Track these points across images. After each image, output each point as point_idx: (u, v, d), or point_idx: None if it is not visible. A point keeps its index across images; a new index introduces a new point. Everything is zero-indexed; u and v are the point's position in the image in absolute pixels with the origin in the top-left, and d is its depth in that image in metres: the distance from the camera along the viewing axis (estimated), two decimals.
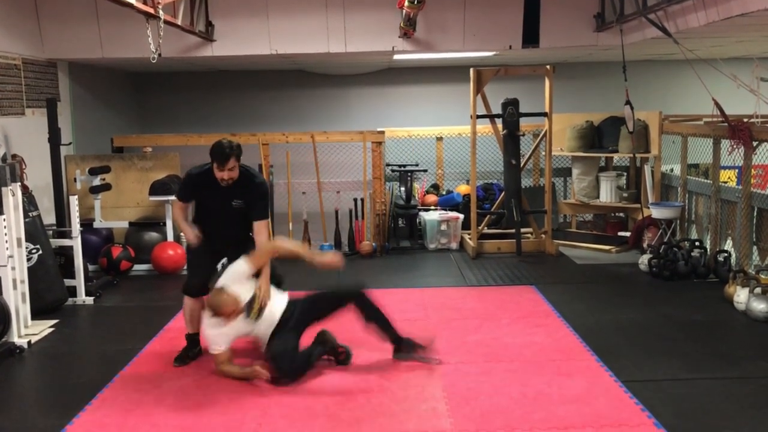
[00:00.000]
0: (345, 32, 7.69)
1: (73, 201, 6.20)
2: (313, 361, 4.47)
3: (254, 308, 4.39)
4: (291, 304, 4.59)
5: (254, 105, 10.57)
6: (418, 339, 4.63)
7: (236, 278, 4.44)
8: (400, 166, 8.61)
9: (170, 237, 7.33)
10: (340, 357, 4.59)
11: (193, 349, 4.78)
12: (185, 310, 4.79)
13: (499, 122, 7.74)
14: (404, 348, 4.60)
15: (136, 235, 7.57)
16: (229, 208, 4.64)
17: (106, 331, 5.53)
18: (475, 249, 7.73)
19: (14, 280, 5.13)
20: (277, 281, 4.78)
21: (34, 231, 5.77)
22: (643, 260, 6.90)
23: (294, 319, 4.50)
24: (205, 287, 4.65)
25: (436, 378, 4.34)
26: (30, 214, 5.77)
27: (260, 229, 4.66)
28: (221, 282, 4.43)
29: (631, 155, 8.10)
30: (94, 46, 7.67)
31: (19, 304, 5.20)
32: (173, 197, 4.84)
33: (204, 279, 4.70)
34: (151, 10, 5.33)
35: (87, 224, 7.13)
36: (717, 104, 6.26)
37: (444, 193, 9.14)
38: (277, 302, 4.55)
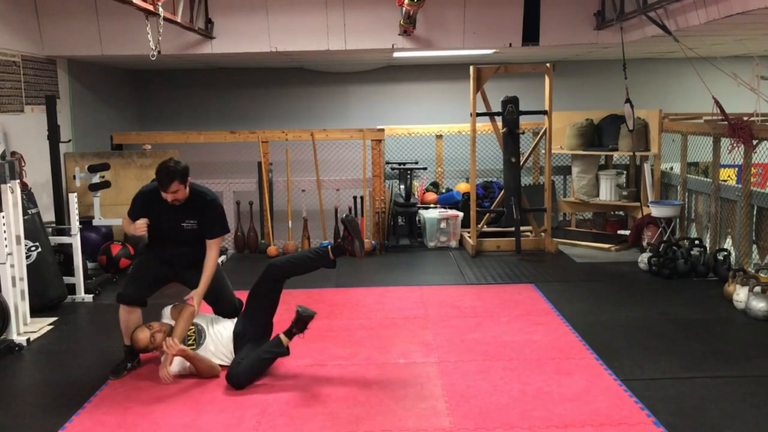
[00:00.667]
0: (345, 30, 7.68)
1: (73, 198, 6.20)
2: (264, 366, 4.38)
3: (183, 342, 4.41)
4: (239, 318, 4.59)
5: (254, 102, 10.57)
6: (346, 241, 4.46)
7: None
8: (399, 164, 8.61)
9: None
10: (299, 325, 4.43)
11: (132, 361, 4.57)
12: (121, 321, 4.58)
13: (498, 120, 7.74)
14: (335, 251, 4.45)
15: None
16: (180, 228, 4.52)
17: (105, 328, 5.52)
18: (475, 247, 7.73)
19: (13, 278, 5.13)
20: (235, 308, 4.75)
21: (33, 228, 5.76)
22: (643, 259, 6.90)
23: (246, 330, 4.48)
24: (142, 300, 4.58)
25: (436, 376, 4.34)
26: (29, 211, 5.76)
27: (211, 245, 4.55)
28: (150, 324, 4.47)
29: (631, 153, 8.09)
30: (94, 43, 7.66)
31: (18, 301, 5.20)
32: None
33: (142, 291, 4.57)
34: (151, 7, 5.31)
35: (86, 222, 7.12)
36: (717, 102, 6.25)
37: (443, 191, 9.14)
38: (221, 326, 4.57)
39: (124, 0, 4.89)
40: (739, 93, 6.37)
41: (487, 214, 8.17)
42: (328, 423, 3.75)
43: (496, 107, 7.73)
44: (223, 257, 7.69)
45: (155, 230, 4.55)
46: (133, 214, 4.56)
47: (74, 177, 7.46)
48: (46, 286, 5.82)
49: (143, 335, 4.37)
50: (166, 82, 10.55)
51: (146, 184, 4.68)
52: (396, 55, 8.53)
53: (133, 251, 7.03)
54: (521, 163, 7.79)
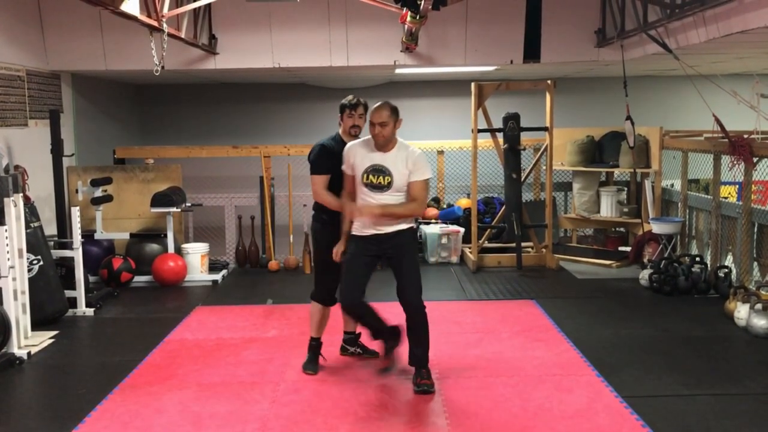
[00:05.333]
0: (347, 46, 7.74)
1: (75, 212, 6.21)
2: None
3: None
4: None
5: (256, 118, 10.61)
6: None
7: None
8: None
9: (171, 249, 7.34)
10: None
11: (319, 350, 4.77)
12: (314, 315, 4.73)
13: (500, 136, 7.76)
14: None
15: (137, 247, 7.58)
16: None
17: (106, 342, 5.53)
18: (476, 263, 7.73)
19: (15, 291, 5.13)
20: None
21: (35, 242, 5.77)
22: (644, 275, 6.90)
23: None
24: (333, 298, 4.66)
25: (436, 392, 4.32)
26: (31, 224, 5.78)
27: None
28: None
29: (632, 170, 8.11)
30: (98, 58, 7.71)
31: (19, 314, 5.19)
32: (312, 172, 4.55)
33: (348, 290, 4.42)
34: (155, 23, 5.36)
35: (88, 235, 7.13)
36: (717, 120, 6.28)
37: (445, 206, 9.14)
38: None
39: (128, 16, 4.93)
40: (739, 111, 6.40)
41: (488, 230, 8.17)
42: None
43: (498, 123, 7.76)
44: (224, 271, 7.70)
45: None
46: (321, 166, 4.53)
47: (77, 191, 7.49)
48: (47, 299, 5.82)
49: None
50: (169, 97, 10.61)
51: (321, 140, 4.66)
52: (398, 71, 8.58)
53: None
54: (522, 179, 7.81)
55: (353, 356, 4.94)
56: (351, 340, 4.98)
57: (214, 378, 4.58)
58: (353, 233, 4.42)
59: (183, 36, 6.54)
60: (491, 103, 7.85)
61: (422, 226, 8.38)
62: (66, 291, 6.11)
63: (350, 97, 4.66)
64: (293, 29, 7.70)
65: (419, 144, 9.41)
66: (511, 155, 7.65)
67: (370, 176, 4.28)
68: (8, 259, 5.03)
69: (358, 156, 4.34)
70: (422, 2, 5.30)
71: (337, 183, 4.53)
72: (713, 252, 6.92)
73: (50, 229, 6.75)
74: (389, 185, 4.27)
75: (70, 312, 6.12)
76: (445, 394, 4.30)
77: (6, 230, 5.04)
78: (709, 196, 7.05)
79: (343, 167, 4.42)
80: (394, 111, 4.38)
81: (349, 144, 4.47)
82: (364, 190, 4.32)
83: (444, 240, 8.17)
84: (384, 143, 4.32)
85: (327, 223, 4.60)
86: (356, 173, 4.33)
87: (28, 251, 5.51)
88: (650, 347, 5.11)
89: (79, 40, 7.62)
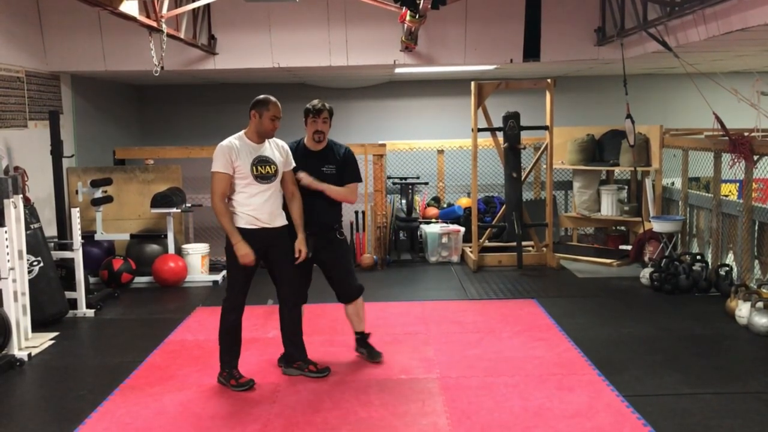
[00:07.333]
0: (347, 46, 7.73)
1: (75, 213, 6.21)
2: None
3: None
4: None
5: None
6: None
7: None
8: (401, 178, 8.62)
9: (171, 249, 7.34)
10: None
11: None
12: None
13: (500, 135, 7.76)
14: None
15: (137, 248, 7.57)
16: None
17: (106, 343, 5.53)
18: (476, 262, 7.72)
19: (15, 293, 5.13)
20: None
21: (35, 243, 5.77)
22: (645, 274, 6.89)
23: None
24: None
25: (437, 392, 4.32)
26: (31, 226, 5.78)
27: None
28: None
29: (632, 169, 8.11)
30: (97, 58, 7.71)
31: (19, 316, 5.19)
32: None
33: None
34: (154, 24, 5.36)
35: (88, 236, 7.13)
36: (717, 118, 6.27)
37: (445, 205, 9.15)
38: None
39: (127, 16, 4.93)
40: (739, 108, 6.38)
41: (489, 229, 8.17)
42: None
43: (498, 122, 7.75)
44: (224, 272, 7.68)
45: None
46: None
47: (77, 192, 7.49)
48: (47, 301, 5.82)
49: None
50: (169, 97, 10.60)
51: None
52: (398, 71, 8.58)
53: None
54: (522, 178, 7.80)
55: (360, 356, 4.94)
56: (357, 341, 4.98)
57: (215, 379, 4.57)
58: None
59: (182, 36, 6.53)
60: (491, 102, 7.85)
61: (423, 226, 8.39)
62: (66, 292, 6.11)
63: (315, 101, 4.70)
64: (292, 29, 7.69)
65: (419, 143, 9.50)
66: (512, 154, 7.64)
67: (258, 167, 4.39)
68: (8, 261, 5.03)
69: (242, 153, 4.38)
70: (421, 1, 5.29)
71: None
72: (714, 250, 6.91)
73: (50, 230, 6.75)
74: (276, 174, 4.45)
75: (71, 313, 6.12)
76: (446, 393, 4.29)
77: (6, 232, 5.04)
78: (709, 195, 7.05)
79: (225, 169, 4.39)
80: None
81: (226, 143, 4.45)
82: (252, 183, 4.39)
83: (444, 239, 8.16)
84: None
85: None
86: (242, 169, 4.36)
87: (28, 253, 5.51)
88: (651, 346, 5.11)
89: (78, 41, 7.62)
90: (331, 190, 4.66)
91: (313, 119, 4.65)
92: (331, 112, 4.71)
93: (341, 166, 4.71)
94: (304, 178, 4.60)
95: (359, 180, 4.87)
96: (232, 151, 4.36)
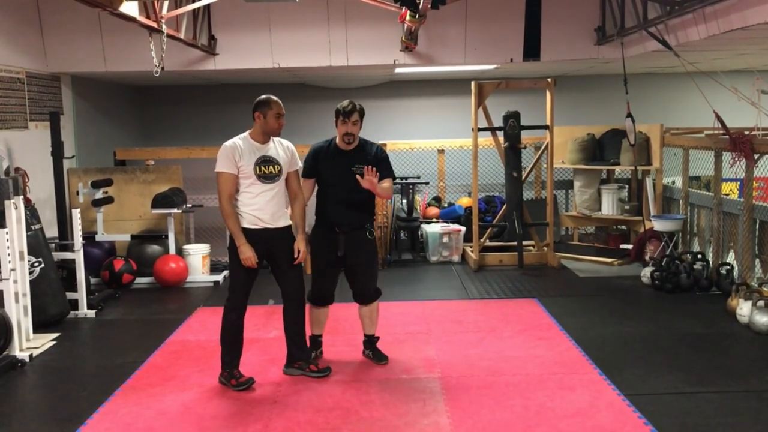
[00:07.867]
0: (347, 46, 7.73)
1: (76, 214, 6.21)
2: None
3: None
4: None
5: None
6: None
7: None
8: (401, 178, 8.62)
9: (172, 250, 7.34)
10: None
11: (315, 350, 4.89)
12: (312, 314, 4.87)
13: (500, 135, 7.76)
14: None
15: (138, 248, 7.58)
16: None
17: (107, 344, 5.53)
18: (477, 262, 7.72)
19: (16, 294, 5.13)
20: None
21: (36, 244, 5.77)
22: (646, 273, 6.89)
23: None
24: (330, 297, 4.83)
25: (438, 392, 4.32)
26: (32, 227, 5.78)
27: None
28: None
29: (633, 168, 8.10)
30: (98, 59, 7.71)
31: (21, 317, 5.20)
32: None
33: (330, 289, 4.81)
34: (154, 24, 5.37)
35: (89, 237, 7.14)
36: (718, 117, 6.27)
37: (446, 205, 9.14)
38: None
39: (127, 17, 4.93)
40: (739, 107, 6.38)
41: (490, 229, 8.17)
42: None
43: (498, 122, 7.75)
44: (225, 272, 7.69)
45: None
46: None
47: (77, 192, 7.49)
48: (49, 301, 5.82)
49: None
50: (169, 98, 10.61)
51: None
52: (398, 70, 8.58)
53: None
54: (523, 177, 7.80)
55: (367, 358, 4.93)
56: (365, 343, 4.98)
57: (216, 379, 4.57)
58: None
59: (182, 37, 6.54)
60: (491, 101, 7.85)
61: (423, 226, 8.39)
62: (67, 293, 6.11)
63: (345, 102, 4.66)
64: (292, 29, 7.69)
65: (420, 143, 9.50)
66: (512, 154, 7.64)
67: (261, 167, 4.39)
68: (9, 262, 5.03)
69: (245, 153, 4.39)
70: (421, 1, 5.30)
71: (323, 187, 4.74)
72: (715, 249, 6.91)
73: (51, 231, 6.75)
74: (280, 174, 4.44)
75: (72, 314, 6.12)
76: (447, 393, 4.30)
77: (7, 233, 5.04)
78: (710, 193, 7.05)
79: (230, 169, 4.39)
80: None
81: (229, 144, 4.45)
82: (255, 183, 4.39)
83: (445, 239, 8.16)
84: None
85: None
86: (246, 168, 4.37)
87: (29, 253, 5.52)
88: (652, 345, 5.11)
89: (78, 42, 7.62)
90: (383, 189, 4.62)
91: (344, 121, 4.62)
92: (362, 113, 4.67)
93: (373, 165, 4.61)
94: (366, 182, 4.49)
95: (393, 177, 4.83)
96: (236, 150, 4.37)
